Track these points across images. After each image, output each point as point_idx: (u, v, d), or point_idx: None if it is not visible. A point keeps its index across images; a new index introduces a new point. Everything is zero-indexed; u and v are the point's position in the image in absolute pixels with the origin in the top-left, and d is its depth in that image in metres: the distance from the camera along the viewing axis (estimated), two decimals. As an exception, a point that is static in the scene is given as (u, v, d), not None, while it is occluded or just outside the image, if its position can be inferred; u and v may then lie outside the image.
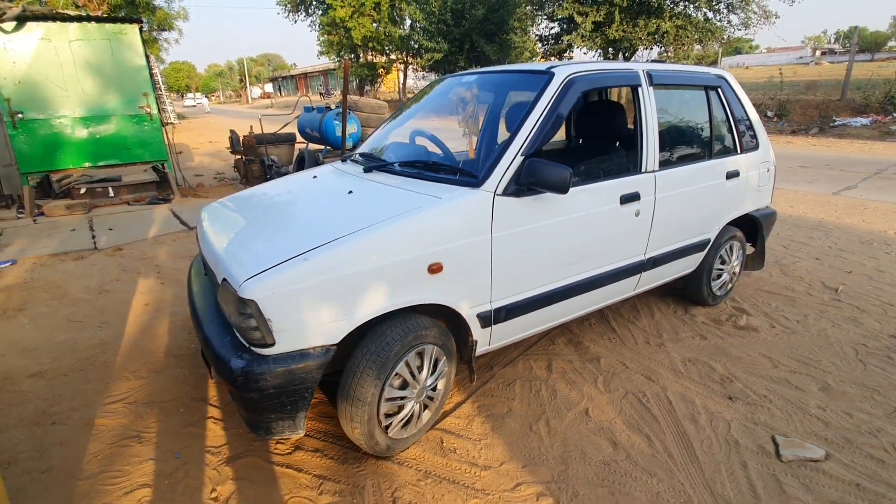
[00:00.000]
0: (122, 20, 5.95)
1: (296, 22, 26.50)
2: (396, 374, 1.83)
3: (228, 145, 8.51)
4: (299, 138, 8.32)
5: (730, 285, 3.41)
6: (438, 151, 2.61)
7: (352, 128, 7.21)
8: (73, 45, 5.66)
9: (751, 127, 3.18)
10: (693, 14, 14.95)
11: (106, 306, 3.37)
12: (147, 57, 6.18)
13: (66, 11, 6.52)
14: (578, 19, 14.71)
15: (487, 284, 2.00)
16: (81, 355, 2.75)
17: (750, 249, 3.50)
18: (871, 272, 3.91)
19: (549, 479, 1.88)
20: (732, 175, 3.00)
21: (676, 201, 2.68)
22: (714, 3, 14.80)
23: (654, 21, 14.32)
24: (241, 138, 7.63)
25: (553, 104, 2.12)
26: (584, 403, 2.35)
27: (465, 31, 19.45)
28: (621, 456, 2.01)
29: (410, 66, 26.14)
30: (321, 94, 35.70)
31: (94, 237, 4.83)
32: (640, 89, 2.53)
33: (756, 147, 3.21)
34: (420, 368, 1.93)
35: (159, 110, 6.50)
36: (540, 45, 19.01)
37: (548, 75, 2.23)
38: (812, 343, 2.89)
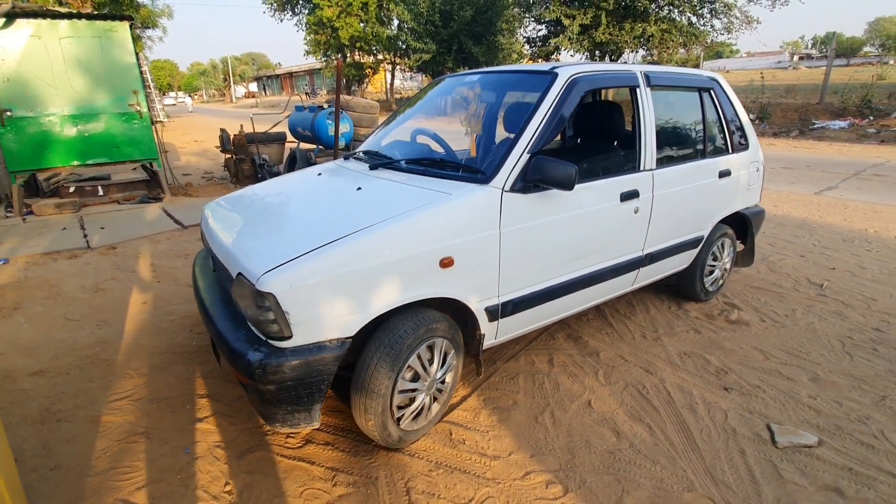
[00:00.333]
0: (113, 17, 5.88)
1: (282, 21, 26.36)
2: (409, 366, 1.87)
3: (217, 144, 8.44)
4: (290, 137, 8.29)
5: (721, 281, 3.51)
6: (441, 150, 2.66)
7: (344, 127, 7.21)
8: (63, 43, 5.57)
9: (741, 127, 3.29)
10: (677, 18, 15.24)
11: (103, 305, 3.34)
12: (137, 54, 6.11)
13: (56, 9, 6.42)
14: (566, 22, 14.90)
15: (495, 279, 2.05)
16: (81, 353, 2.73)
17: (740, 247, 3.61)
18: (853, 269, 4.06)
19: (557, 468, 1.94)
20: (724, 174, 3.10)
21: (672, 199, 2.76)
22: (698, 8, 15.11)
23: (640, 24, 14.57)
24: (231, 137, 7.57)
25: (557, 103, 2.17)
26: (586, 395, 2.41)
27: (453, 33, 19.55)
28: (625, 445, 2.08)
29: (398, 67, 26.14)
30: (307, 93, 35.43)
31: (86, 236, 4.77)
32: (638, 90, 2.61)
33: (746, 147, 3.31)
34: (431, 361, 1.97)
35: (149, 108, 6.42)
36: (527, 47, 19.19)
37: (551, 75, 2.29)
38: (801, 336, 2.99)
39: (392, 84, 27.45)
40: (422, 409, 2.00)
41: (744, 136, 3.30)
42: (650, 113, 2.63)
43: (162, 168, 6.68)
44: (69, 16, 5.65)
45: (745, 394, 2.44)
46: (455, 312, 2.07)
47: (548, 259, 2.24)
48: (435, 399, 2.07)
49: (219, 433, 2.11)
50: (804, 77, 24.61)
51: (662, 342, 2.93)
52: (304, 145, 7.90)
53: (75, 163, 6.03)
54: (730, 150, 3.19)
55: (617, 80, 2.57)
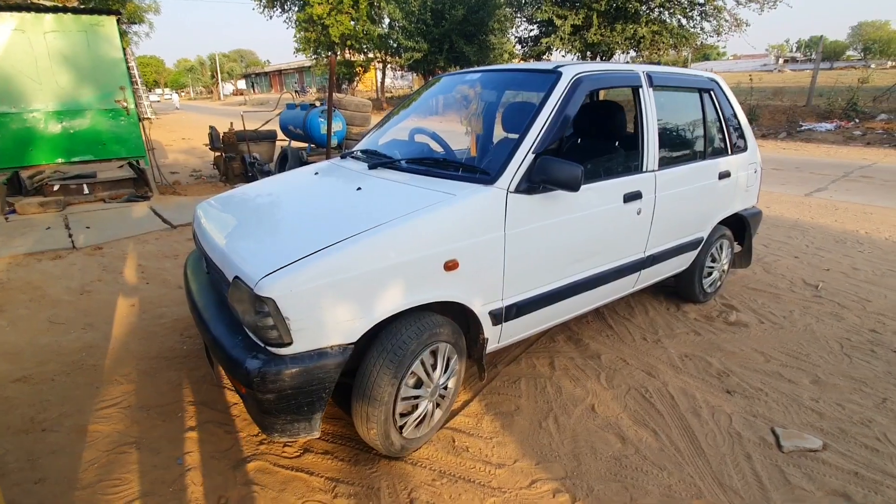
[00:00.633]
0: (100, 11, 5.72)
1: (271, 17, 26.08)
2: (412, 372, 1.81)
3: (206, 142, 8.29)
4: (281, 136, 8.17)
5: (719, 283, 3.50)
6: (440, 149, 2.60)
7: (337, 126, 7.11)
8: (48, 37, 5.41)
9: (740, 129, 3.28)
10: (668, 20, 15.35)
11: (89, 308, 3.23)
12: (124, 50, 5.96)
13: (41, 2, 6.24)
14: (558, 22, 14.94)
15: (500, 282, 2.00)
16: (67, 359, 2.63)
17: (737, 248, 3.61)
18: (847, 270, 4.08)
19: (564, 476, 1.89)
20: (724, 175, 3.08)
21: (674, 200, 2.74)
22: (688, 10, 15.23)
23: (631, 26, 14.66)
24: (221, 135, 7.43)
25: (562, 103, 2.13)
26: (589, 399, 2.37)
27: (444, 32, 19.50)
28: (630, 451, 2.04)
29: (389, 66, 26.01)
30: (296, 91, 35.15)
31: (71, 236, 4.63)
32: (640, 90, 2.58)
33: (745, 148, 3.31)
34: (434, 367, 1.91)
35: (136, 105, 6.27)
36: (518, 47, 19.22)
37: (555, 74, 2.24)
38: (799, 338, 2.99)
39: (383, 83, 27.30)
40: (425, 415, 1.94)
41: (742, 137, 3.29)
42: (653, 113, 2.60)
43: (149, 166, 6.53)
44: (54, 10, 5.49)
45: (748, 397, 2.42)
46: (456, 316, 2.01)
47: (552, 261, 2.20)
48: (437, 405, 2.02)
49: (212, 442, 2.03)
50: (790, 80, 24.95)
51: (663, 344, 2.91)
52: (295, 144, 7.78)
53: (60, 160, 5.87)
54: (729, 152, 3.18)
55: (620, 80, 2.53)
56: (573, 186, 1.92)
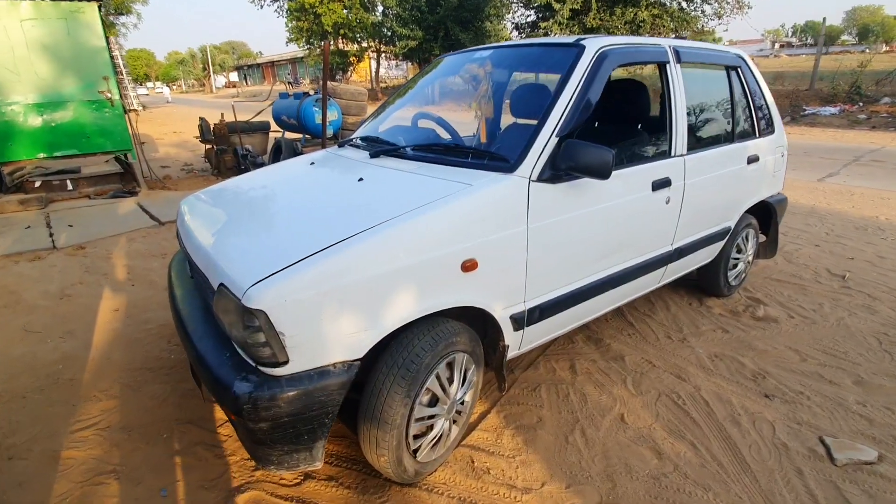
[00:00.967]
0: (78, -4, 5.41)
1: (262, 7, 25.54)
2: (427, 389, 1.59)
3: (197, 135, 8.00)
4: (274, 126, 7.88)
5: (744, 275, 3.29)
6: (447, 135, 2.36)
7: (332, 115, 6.84)
8: (26, 25, 5.11)
9: (767, 109, 3.04)
10: (668, 3, 15.02)
11: (69, 314, 2.98)
12: (107, 38, 5.65)
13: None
14: (556, 6, 14.58)
15: (522, 282, 1.77)
16: (42, 372, 2.39)
17: (761, 237, 3.39)
18: (872, 258, 3.88)
19: (599, 501, 1.68)
20: (753, 160, 2.85)
21: (703, 187, 2.51)
22: (688, -7, 14.92)
23: (631, 9, 14.31)
24: (211, 127, 7.14)
25: (587, 79, 1.89)
26: (617, 408, 2.16)
27: (439, 19, 19.09)
28: (669, 468, 1.83)
29: (383, 55, 25.55)
30: (289, 83, 34.57)
31: (52, 235, 4.37)
32: (668, 66, 2.34)
33: (773, 131, 3.07)
34: (450, 380, 1.69)
35: (121, 96, 5.97)
36: (515, 32, 18.82)
37: (577, 48, 2.00)
38: (834, 333, 2.79)
39: (377, 72, 26.83)
40: (441, 435, 1.72)
41: (770, 118, 3.06)
42: (681, 92, 2.36)
43: (137, 160, 6.24)
44: (31, -4, 5.17)
45: (789, 401, 2.21)
46: (472, 320, 1.79)
47: (577, 258, 1.97)
48: (454, 421, 1.80)
49: (201, 469, 1.80)
50: (787, 64, 24.66)
51: (689, 343, 2.70)
52: (289, 135, 7.50)
53: (41, 155, 5.59)
54: (757, 134, 2.94)
55: (647, 55, 2.29)
56: (604, 173, 1.68)
